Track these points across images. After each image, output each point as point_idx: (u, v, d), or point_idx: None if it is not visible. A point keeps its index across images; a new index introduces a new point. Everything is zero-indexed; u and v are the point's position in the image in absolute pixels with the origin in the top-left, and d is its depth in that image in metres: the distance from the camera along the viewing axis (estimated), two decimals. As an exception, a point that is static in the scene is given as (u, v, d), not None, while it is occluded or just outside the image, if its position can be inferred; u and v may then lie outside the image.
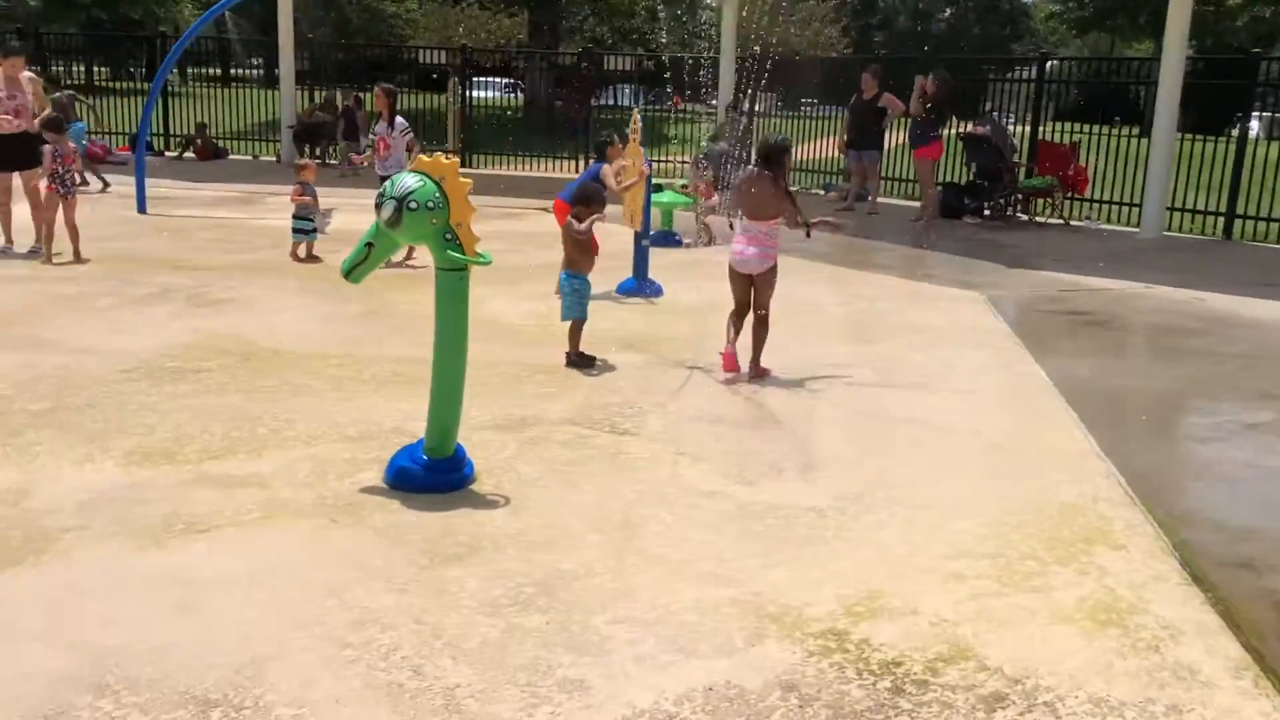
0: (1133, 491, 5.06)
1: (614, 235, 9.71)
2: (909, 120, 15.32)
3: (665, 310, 8.99)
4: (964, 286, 10.30)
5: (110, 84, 28.97)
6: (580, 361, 7.00)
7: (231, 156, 21.25)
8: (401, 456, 4.91)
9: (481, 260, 4.73)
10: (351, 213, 14.03)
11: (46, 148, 9.82)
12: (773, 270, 6.95)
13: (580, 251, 7.17)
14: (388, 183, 4.60)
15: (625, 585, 3.97)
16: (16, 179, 10.26)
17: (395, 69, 25.24)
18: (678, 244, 12.58)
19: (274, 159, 20.81)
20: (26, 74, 10.50)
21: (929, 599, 3.93)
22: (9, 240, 10.35)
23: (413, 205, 4.50)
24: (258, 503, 4.60)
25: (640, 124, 9.48)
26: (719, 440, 5.70)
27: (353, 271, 4.72)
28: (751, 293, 6.95)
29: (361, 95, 21.68)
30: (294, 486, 4.81)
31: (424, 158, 4.62)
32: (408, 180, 4.56)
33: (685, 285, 9.98)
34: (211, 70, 33.81)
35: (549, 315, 8.48)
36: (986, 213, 15.47)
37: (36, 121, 10.10)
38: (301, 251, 10.35)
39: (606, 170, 9.60)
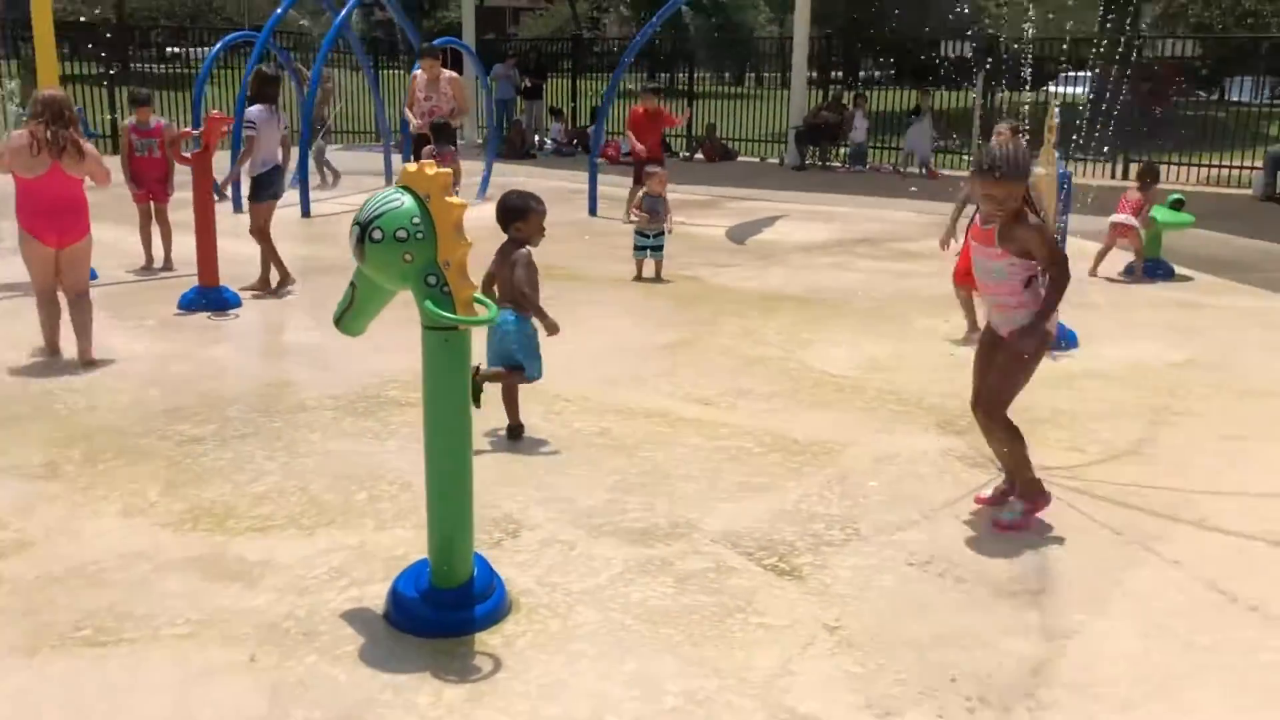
0: None
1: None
2: None
3: (1057, 372, 6.59)
4: None
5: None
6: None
7: (740, 158, 20.92)
8: (406, 576, 3.60)
9: (480, 319, 3.25)
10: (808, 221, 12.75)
11: (427, 148, 9.76)
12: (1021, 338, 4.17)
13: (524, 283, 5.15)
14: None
15: None
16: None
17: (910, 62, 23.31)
18: (1168, 276, 9.69)
19: (777, 161, 20.13)
20: (447, 74, 10.61)
21: None
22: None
23: (376, 235, 3.16)
24: (212, 610, 3.57)
25: (1058, 120, 7.09)
26: (921, 615, 3.63)
27: (341, 319, 3.48)
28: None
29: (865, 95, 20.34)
30: (282, 590, 3.71)
31: (409, 166, 3.24)
32: (380, 198, 3.22)
33: (1130, 337, 7.46)
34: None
35: (890, 367, 6.63)
36: None
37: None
38: (649, 270, 9.24)
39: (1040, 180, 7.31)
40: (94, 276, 8.61)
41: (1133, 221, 9.43)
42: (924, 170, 18.01)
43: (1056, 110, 7.14)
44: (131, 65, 26.72)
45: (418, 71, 10.68)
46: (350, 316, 3.45)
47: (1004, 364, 4.24)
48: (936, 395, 6.05)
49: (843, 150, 19.52)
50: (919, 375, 6.47)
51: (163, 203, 9.38)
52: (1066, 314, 7.24)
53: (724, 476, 4.82)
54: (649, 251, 9.15)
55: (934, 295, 8.13)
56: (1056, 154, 7.07)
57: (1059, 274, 4.10)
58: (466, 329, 3.25)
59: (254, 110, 8.49)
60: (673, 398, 5.97)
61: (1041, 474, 4.85)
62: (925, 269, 9.83)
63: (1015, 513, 4.35)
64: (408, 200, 3.19)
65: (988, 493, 4.58)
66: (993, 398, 4.29)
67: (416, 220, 3.16)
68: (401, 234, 3.15)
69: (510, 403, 5.30)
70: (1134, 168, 16.57)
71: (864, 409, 5.84)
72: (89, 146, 6.49)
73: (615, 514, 4.39)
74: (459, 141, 20.75)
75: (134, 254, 9.40)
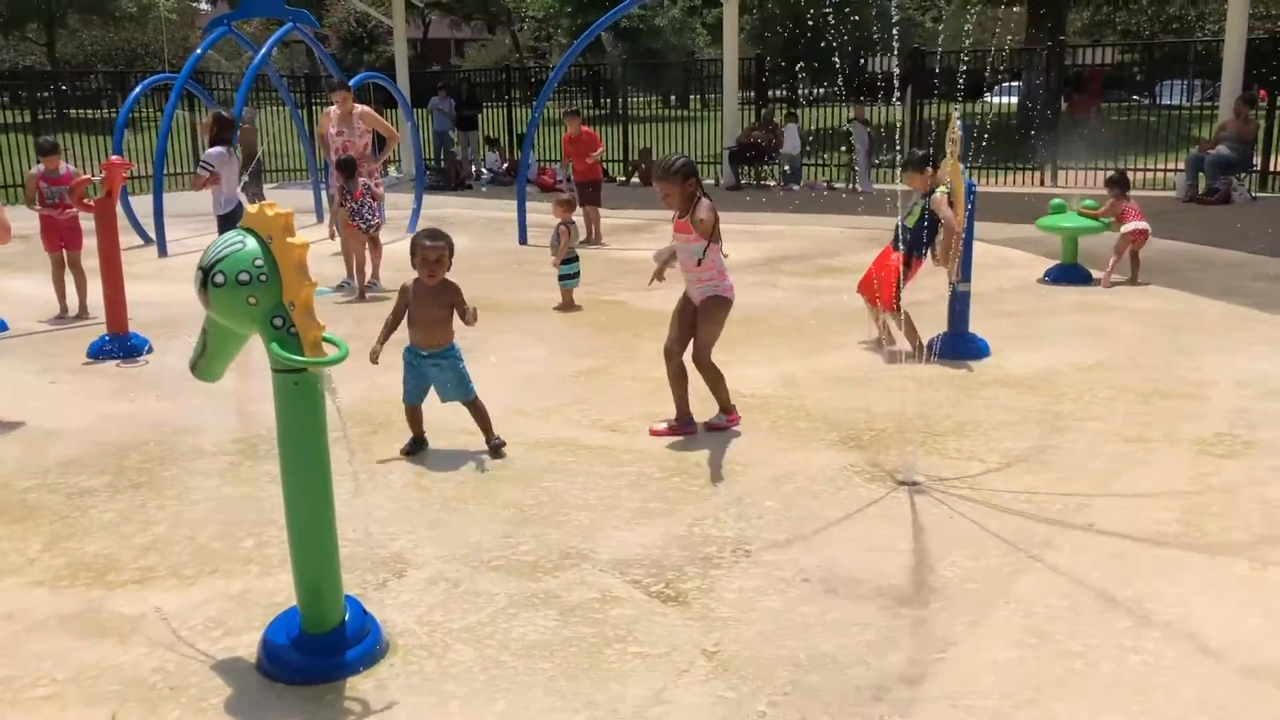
0: None
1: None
2: None
3: (965, 382, 6.65)
4: None
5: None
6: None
7: (677, 180, 20.99)
8: (277, 623, 3.54)
9: (328, 359, 3.21)
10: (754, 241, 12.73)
11: (335, 187, 9.71)
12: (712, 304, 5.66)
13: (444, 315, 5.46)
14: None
15: None
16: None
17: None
18: (1084, 281, 9.80)
19: (712, 182, 20.23)
20: (360, 109, 10.55)
21: None
22: (349, 274, 10.38)
23: (219, 279, 3.11)
24: (79, 669, 3.49)
25: (960, 134, 7.15)
26: (801, 635, 3.61)
27: (195, 366, 3.43)
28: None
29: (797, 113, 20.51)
30: (155, 644, 3.64)
31: (250, 208, 3.20)
32: (223, 241, 3.18)
33: (1042, 344, 7.53)
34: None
35: (800, 383, 6.64)
36: None
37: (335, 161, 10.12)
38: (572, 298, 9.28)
39: (939, 200, 7.30)
40: (4, 328, 8.49)
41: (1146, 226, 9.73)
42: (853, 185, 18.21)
43: (958, 124, 7.19)
44: (68, 111, 26.47)
45: (331, 108, 10.61)
46: (204, 363, 3.40)
47: (706, 321, 5.62)
48: (843, 410, 6.07)
49: (777, 169, 19.65)
50: (827, 391, 6.50)
51: (75, 251, 9.24)
52: (979, 323, 7.34)
53: (621, 503, 4.79)
54: (561, 280, 9.20)
55: (850, 309, 8.18)
56: (962, 166, 7.12)
57: (717, 239, 5.54)
58: (316, 370, 3.21)
59: (212, 152, 9.18)
60: (580, 426, 5.94)
61: (936, 484, 4.90)
62: (845, 284, 9.87)
63: (721, 418, 5.77)
64: (250, 243, 3.15)
65: (662, 426, 5.75)
66: (703, 348, 5.63)
67: (259, 263, 3.12)
68: (244, 277, 3.10)
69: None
70: (1100, 176, 16.98)
71: (770, 428, 5.84)
72: None
73: (506, 548, 4.34)
74: (395, 174, 20.74)
75: (49, 303, 9.25)
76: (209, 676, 3.43)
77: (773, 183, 19.53)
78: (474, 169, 21.93)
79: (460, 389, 5.49)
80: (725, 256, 5.53)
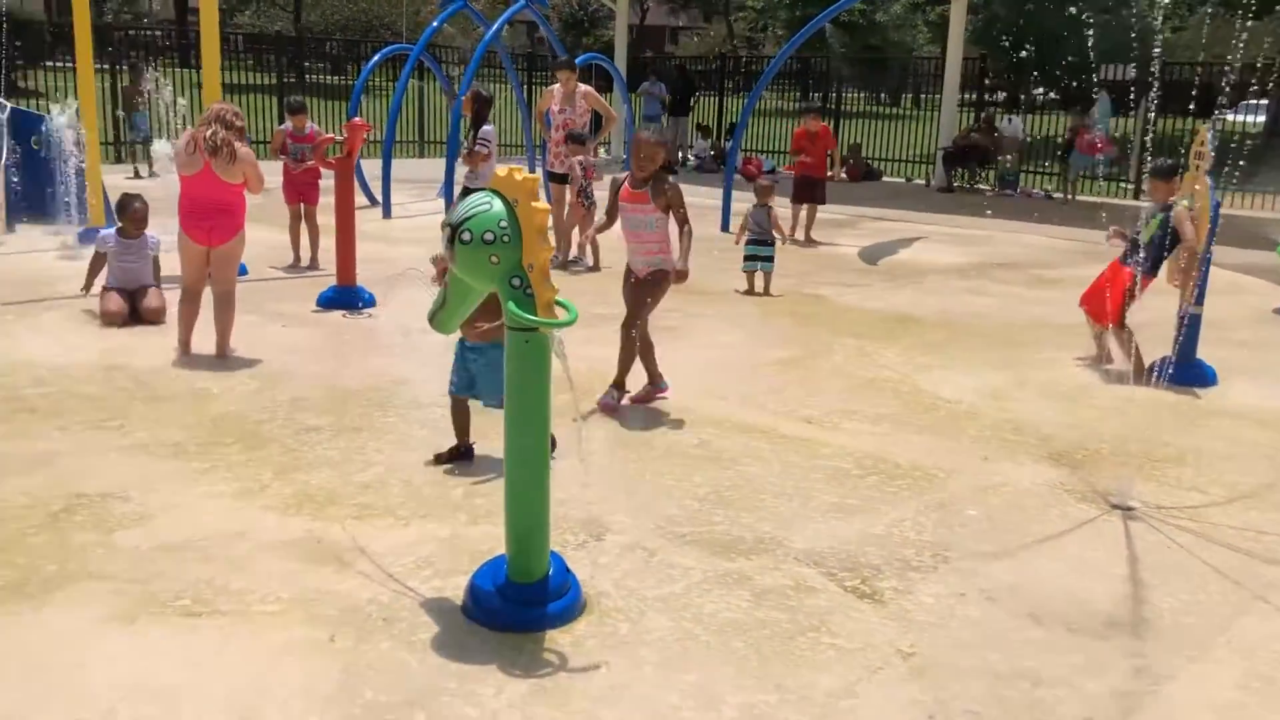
0: None
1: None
2: None
3: (1190, 410, 6.31)
4: None
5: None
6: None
7: (885, 179, 20.63)
8: (484, 570, 3.69)
9: (559, 320, 3.31)
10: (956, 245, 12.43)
11: (575, 160, 9.91)
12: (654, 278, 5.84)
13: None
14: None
15: None
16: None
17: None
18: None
19: (923, 182, 19.77)
20: (583, 88, 10.78)
21: None
22: (580, 251, 10.61)
23: (465, 236, 3.26)
24: (301, 590, 3.73)
25: (1209, 145, 6.76)
26: (1001, 648, 3.51)
27: (434, 318, 3.60)
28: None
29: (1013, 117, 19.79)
30: (370, 576, 3.85)
31: (499, 171, 3.34)
32: (472, 201, 3.32)
33: (1276, 378, 7.07)
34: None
35: (1008, 395, 6.45)
36: None
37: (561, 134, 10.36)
38: (758, 284, 9.23)
39: (1182, 214, 6.88)
40: (244, 272, 9.09)
41: None
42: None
43: (1210, 136, 6.79)
44: (306, 76, 28.09)
45: (554, 86, 10.88)
46: (444, 315, 3.57)
47: (644, 294, 5.76)
48: (1054, 426, 5.85)
49: (991, 173, 19.03)
50: (1038, 405, 6.27)
51: (313, 205, 9.82)
52: (1207, 350, 6.93)
53: (817, 496, 4.77)
54: (759, 264, 9.17)
55: (1066, 323, 7.86)
56: (1210, 181, 6.73)
57: (689, 225, 5.78)
58: (548, 331, 3.32)
59: (489, 130, 9.68)
60: (776, 414, 5.93)
61: (1153, 511, 4.67)
62: (1062, 296, 9.48)
63: (620, 393, 5.83)
64: (497, 204, 3.28)
65: (617, 400, 5.85)
66: (631, 316, 5.77)
67: (504, 224, 3.25)
68: (489, 236, 3.24)
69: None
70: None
71: (975, 437, 5.68)
72: (245, 151, 6.67)
73: (701, 525, 4.39)
74: (605, 156, 21.13)
75: (284, 251, 9.86)
76: (418, 613, 3.61)
77: (986, 188, 18.91)
78: (680, 154, 22.10)
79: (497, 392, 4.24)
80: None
